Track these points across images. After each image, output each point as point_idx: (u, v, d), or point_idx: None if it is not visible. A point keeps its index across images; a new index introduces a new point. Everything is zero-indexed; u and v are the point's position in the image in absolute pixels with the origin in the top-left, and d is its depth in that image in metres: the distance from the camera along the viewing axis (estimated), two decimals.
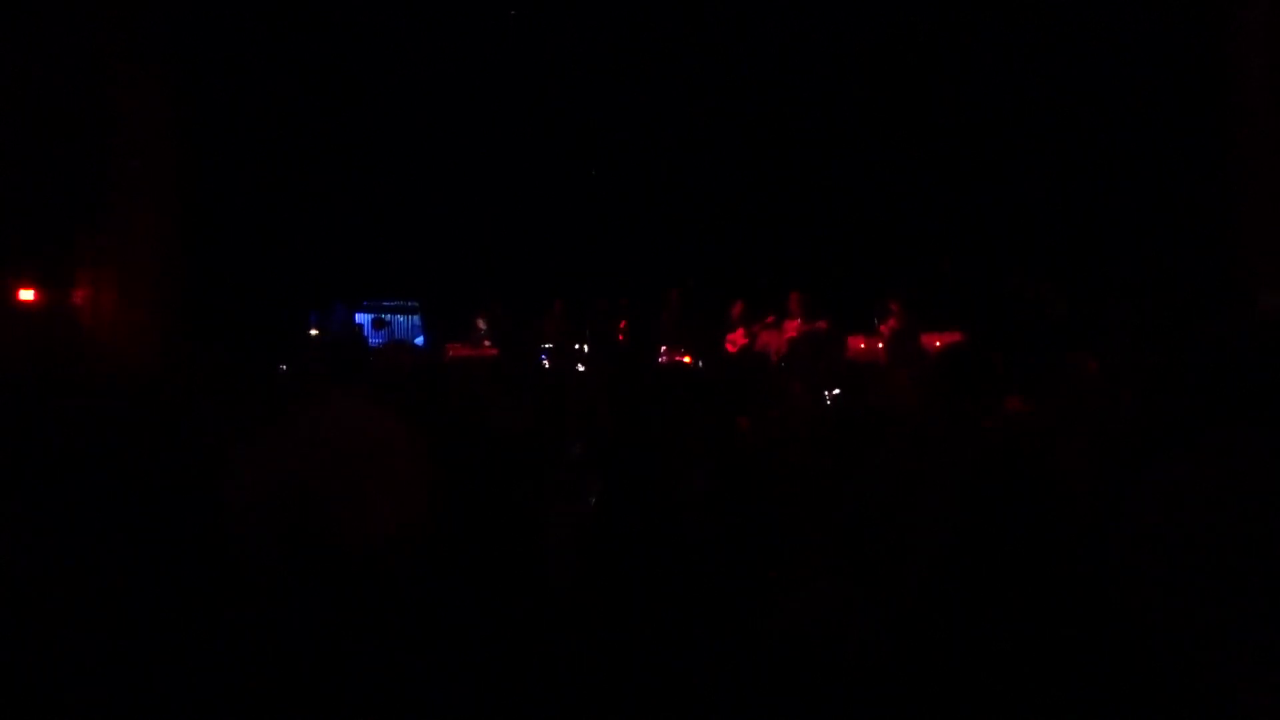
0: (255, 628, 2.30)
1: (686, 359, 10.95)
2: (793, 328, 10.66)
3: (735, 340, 10.86)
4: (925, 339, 10.10)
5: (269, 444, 2.58)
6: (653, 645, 2.59)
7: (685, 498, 3.03)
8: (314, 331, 11.59)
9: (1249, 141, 7.20)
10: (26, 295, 7.95)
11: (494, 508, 3.02)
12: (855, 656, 2.31)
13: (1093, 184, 9.38)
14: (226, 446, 2.62)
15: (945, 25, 9.67)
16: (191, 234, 8.90)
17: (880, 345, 10.21)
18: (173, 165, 8.85)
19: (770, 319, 10.72)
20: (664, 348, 11.16)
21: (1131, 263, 8.82)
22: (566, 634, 2.71)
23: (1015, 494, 2.17)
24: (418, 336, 12.90)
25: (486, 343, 11.37)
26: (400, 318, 13.42)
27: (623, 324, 11.58)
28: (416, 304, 13.51)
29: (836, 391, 7.28)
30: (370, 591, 2.42)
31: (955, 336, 9.90)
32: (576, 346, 11.62)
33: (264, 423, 2.64)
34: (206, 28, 9.04)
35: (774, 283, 10.92)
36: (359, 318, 13.01)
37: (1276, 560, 1.37)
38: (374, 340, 11.93)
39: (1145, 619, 1.45)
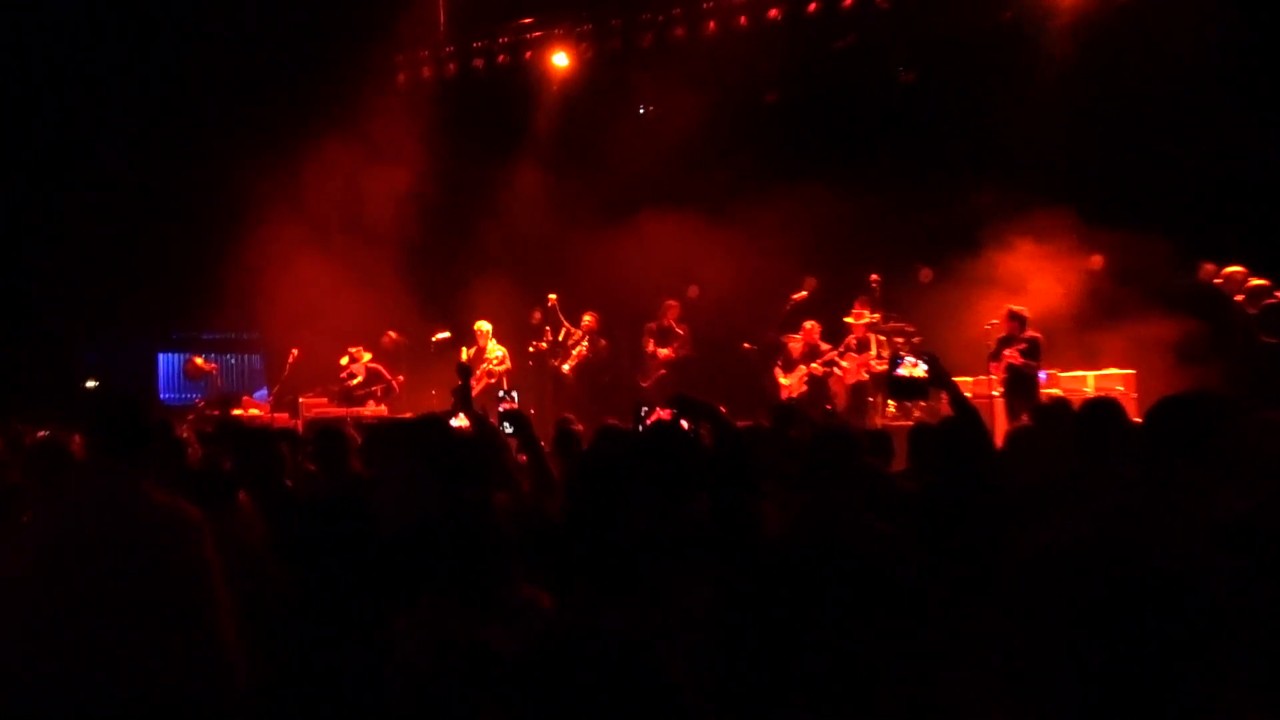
0: None
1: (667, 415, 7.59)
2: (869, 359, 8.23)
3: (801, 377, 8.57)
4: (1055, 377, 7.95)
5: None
6: None
7: (674, 625, 2.20)
8: (91, 383, 9.67)
9: None
10: None
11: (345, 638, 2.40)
12: None
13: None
14: None
15: None
16: None
17: (997, 386, 7.65)
18: None
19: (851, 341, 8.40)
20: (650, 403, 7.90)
21: None
22: None
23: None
24: (258, 389, 10.16)
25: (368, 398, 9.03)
26: (231, 358, 10.95)
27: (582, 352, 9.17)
28: (254, 338, 10.91)
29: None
30: None
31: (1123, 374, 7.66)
32: (503, 392, 8.58)
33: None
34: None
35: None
36: (164, 359, 10.56)
37: None
38: (185, 397, 9.56)
39: None
